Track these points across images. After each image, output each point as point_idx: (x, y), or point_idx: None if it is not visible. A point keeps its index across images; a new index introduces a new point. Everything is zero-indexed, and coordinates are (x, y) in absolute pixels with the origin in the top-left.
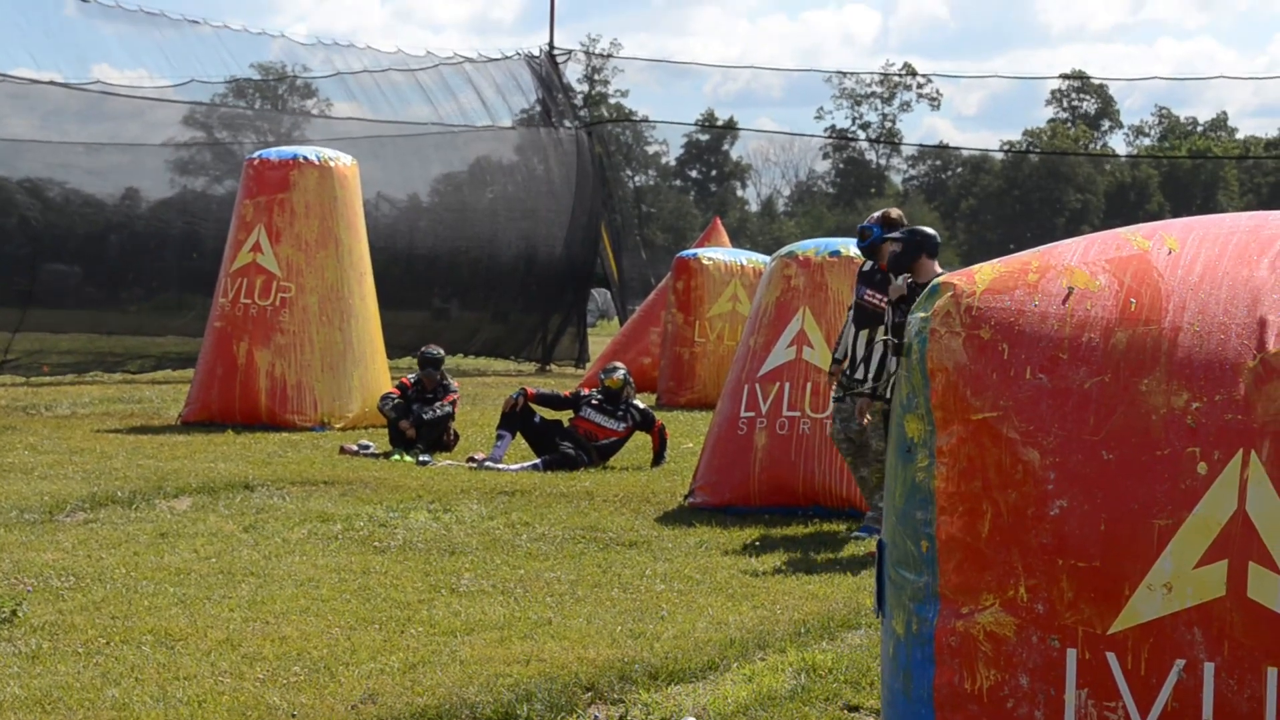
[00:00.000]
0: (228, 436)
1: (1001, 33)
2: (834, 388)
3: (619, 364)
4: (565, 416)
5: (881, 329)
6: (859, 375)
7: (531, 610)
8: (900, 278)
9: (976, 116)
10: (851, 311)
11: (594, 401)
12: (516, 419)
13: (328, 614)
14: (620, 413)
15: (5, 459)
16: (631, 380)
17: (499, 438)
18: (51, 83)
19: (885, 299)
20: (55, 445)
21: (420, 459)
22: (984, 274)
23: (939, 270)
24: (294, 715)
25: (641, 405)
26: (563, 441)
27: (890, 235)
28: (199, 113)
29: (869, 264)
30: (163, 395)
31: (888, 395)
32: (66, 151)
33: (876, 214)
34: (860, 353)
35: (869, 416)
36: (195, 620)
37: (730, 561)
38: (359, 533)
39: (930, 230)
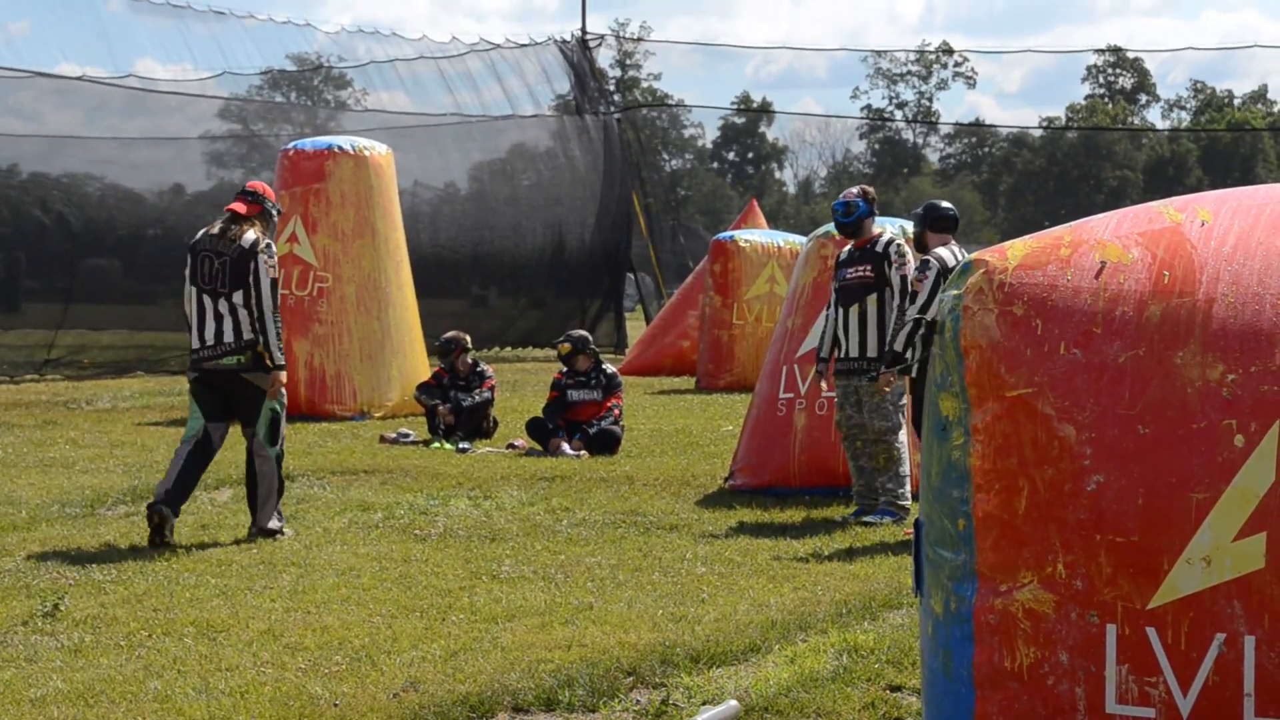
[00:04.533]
0: None
1: (1047, 8)
2: (825, 378)
3: (574, 331)
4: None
5: (873, 299)
6: (853, 354)
7: (573, 595)
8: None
9: (1018, 94)
10: (832, 300)
11: (567, 381)
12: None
13: (369, 603)
14: (593, 380)
15: (47, 453)
16: (589, 344)
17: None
18: (85, 78)
19: (895, 271)
20: (96, 439)
21: (460, 446)
22: (1016, 250)
23: (946, 242)
24: (336, 705)
25: (610, 370)
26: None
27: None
28: (235, 106)
29: (845, 252)
30: None
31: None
32: (105, 147)
33: (855, 190)
34: (853, 331)
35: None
36: (237, 611)
37: (771, 543)
38: (400, 521)
39: (939, 203)
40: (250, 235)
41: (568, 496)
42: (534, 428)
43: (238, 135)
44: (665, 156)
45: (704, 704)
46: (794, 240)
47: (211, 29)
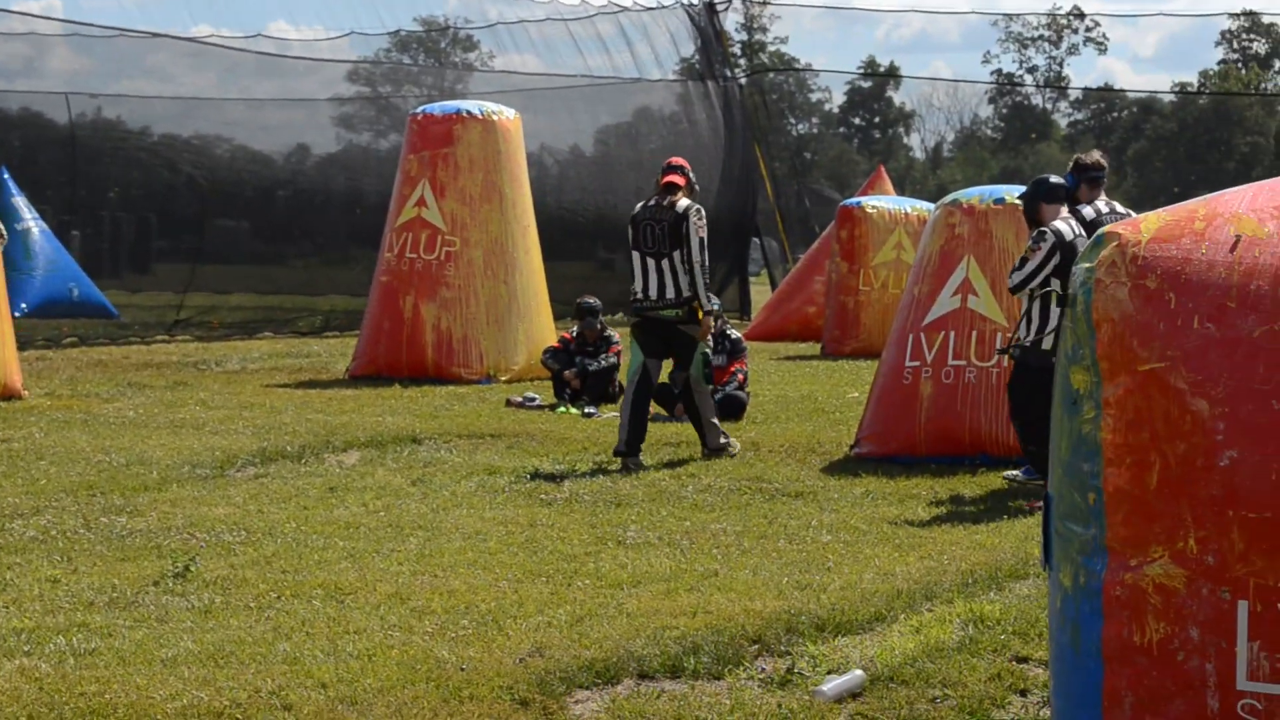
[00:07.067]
0: (394, 390)
1: None
2: None
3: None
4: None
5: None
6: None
7: (698, 562)
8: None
9: (1152, 59)
10: None
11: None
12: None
13: (495, 567)
14: (718, 346)
15: (178, 414)
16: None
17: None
18: (210, 42)
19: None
20: (226, 400)
21: (586, 411)
22: (1149, 223)
23: (1063, 214)
24: (463, 669)
25: (735, 335)
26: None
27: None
28: (363, 69)
29: None
30: (330, 349)
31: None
32: (236, 109)
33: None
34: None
35: None
36: (364, 574)
37: (896, 512)
38: (526, 485)
39: (1048, 176)
40: (684, 202)
41: (693, 463)
42: (659, 394)
43: (366, 98)
44: (792, 121)
45: (829, 673)
46: (921, 207)
47: None
